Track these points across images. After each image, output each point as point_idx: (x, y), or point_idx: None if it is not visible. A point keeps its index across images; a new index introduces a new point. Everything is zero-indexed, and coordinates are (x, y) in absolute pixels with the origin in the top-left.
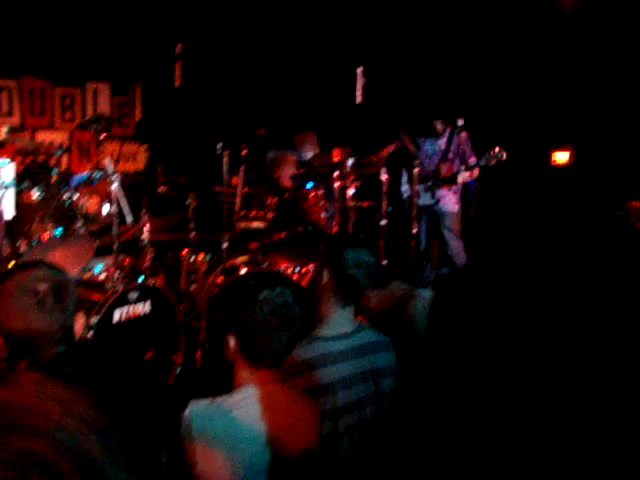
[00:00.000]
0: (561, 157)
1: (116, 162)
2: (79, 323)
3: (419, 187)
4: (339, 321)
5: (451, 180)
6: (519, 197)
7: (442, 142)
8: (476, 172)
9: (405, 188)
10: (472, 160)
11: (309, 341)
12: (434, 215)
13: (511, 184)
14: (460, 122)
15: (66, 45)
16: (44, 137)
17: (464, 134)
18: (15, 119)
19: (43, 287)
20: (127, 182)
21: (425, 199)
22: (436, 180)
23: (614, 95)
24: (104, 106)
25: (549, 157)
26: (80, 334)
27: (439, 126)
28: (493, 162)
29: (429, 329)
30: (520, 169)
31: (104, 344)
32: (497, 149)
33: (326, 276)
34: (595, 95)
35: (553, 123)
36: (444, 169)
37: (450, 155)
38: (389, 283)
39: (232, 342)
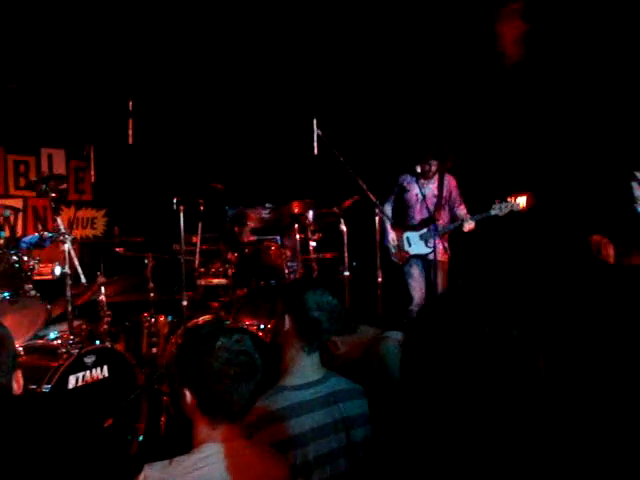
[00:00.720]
0: (520, 201)
1: (71, 228)
2: (18, 382)
3: (410, 234)
4: (305, 368)
5: (451, 228)
6: (482, 241)
7: (434, 186)
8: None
9: (392, 236)
10: (462, 208)
11: (275, 391)
12: (425, 264)
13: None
14: (418, 169)
15: (18, 112)
16: None
17: (453, 180)
18: None
19: None
20: (83, 244)
21: (418, 247)
22: (433, 228)
23: (567, 139)
24: (60, 172)
25: None
26: (20, 393)
27: (433, 168)
28: (506, 211)
29: (402, 368)
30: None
31: (58, 411)
32: (511, 199)
33: (288, 322)
34: (549, 140)
35: (510, 168)
36: (443, 217)
37: (442, 201)
38: (357, 328)
39: (188, 396)
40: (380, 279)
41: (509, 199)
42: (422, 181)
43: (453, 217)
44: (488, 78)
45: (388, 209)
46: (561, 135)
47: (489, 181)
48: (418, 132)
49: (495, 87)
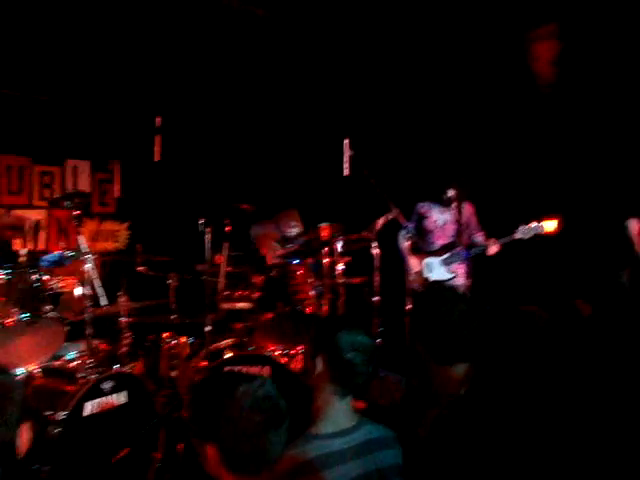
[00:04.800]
0: (548, 225)
1: (94, 240)
2: (25, 436)
3: (430, 260)
4: (338, 415)
5: (475, 253)
6: (507, 267)
7: (454, 212)
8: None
9: (412, 262)
10: (480, 235)
11: (306, 440)
12: None
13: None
14: (450, 192)
15: (46, 123)
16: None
17: (471, 207)
18: None
19: None
20: (105, 262)
21: (440, 273)
22: (456, 253)
23: (598, 163)
24: (84, 184)
25: None
26: (26, 449)
27: (451, 195)
28: (530, 235)
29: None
30: None
31: (72, 441)
32: (536, 222)
33: (320, 364)
34: (580, 163)
35: (541, 192)
36: (462, 242)
37: (461, 228)
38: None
39: (211, 452)
40: (410, 306)
41: (534, 222)
42: (439, 207)
43: (472, 244)
44: (518, 100)
45: (406, 236)
46: (591, 159)
47: (518, 205)
48: (439, 159)
49: (524, 109)
